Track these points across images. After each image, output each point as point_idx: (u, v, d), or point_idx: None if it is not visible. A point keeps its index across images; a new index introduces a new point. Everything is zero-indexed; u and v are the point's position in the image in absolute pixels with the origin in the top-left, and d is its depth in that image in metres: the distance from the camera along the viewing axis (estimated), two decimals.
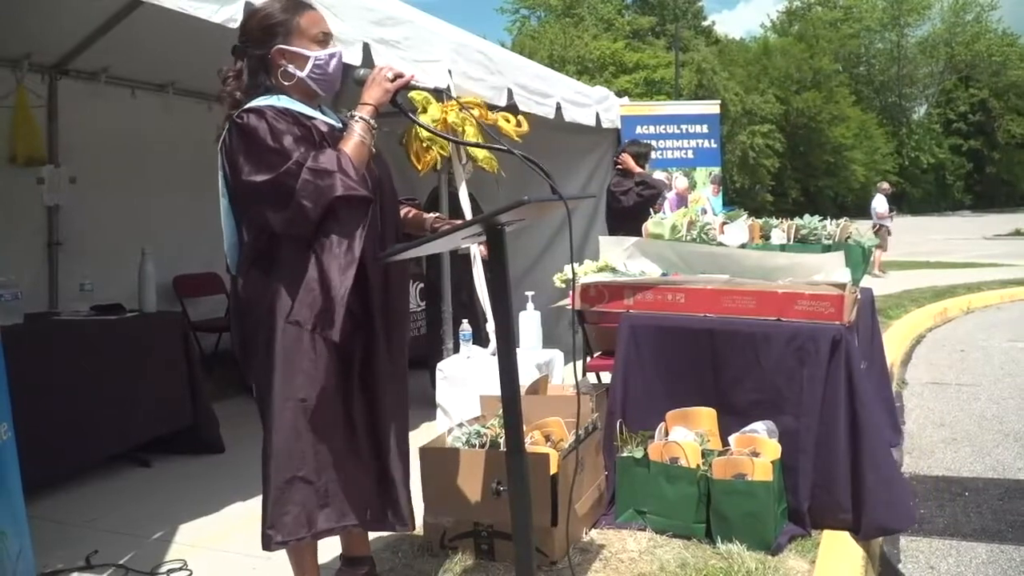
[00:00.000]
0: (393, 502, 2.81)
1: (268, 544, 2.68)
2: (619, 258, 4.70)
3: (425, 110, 5.18)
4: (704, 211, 7.42)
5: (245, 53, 2.76)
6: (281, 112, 2.63)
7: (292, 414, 2.65)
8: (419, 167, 5.38)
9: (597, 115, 8.09)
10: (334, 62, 2.79)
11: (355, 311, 2.69)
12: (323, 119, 2.76)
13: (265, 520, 2.68)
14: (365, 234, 2.59)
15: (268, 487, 2.69)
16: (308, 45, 2.73)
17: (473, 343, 5.37)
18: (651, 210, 6.15)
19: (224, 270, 3.01)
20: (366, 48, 4.67)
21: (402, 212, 3.07)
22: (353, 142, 2.65)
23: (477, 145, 5.20)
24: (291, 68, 2.71)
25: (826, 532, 3.72)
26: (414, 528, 2.89)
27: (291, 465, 2.65)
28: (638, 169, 7.27)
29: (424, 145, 5.31)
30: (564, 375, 5.40)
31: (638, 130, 8.66)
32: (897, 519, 3.81)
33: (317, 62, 2.73)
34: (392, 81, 2.72)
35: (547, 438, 3.75)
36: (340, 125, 2.80)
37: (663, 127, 9.02)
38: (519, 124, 5.70)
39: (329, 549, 3.13)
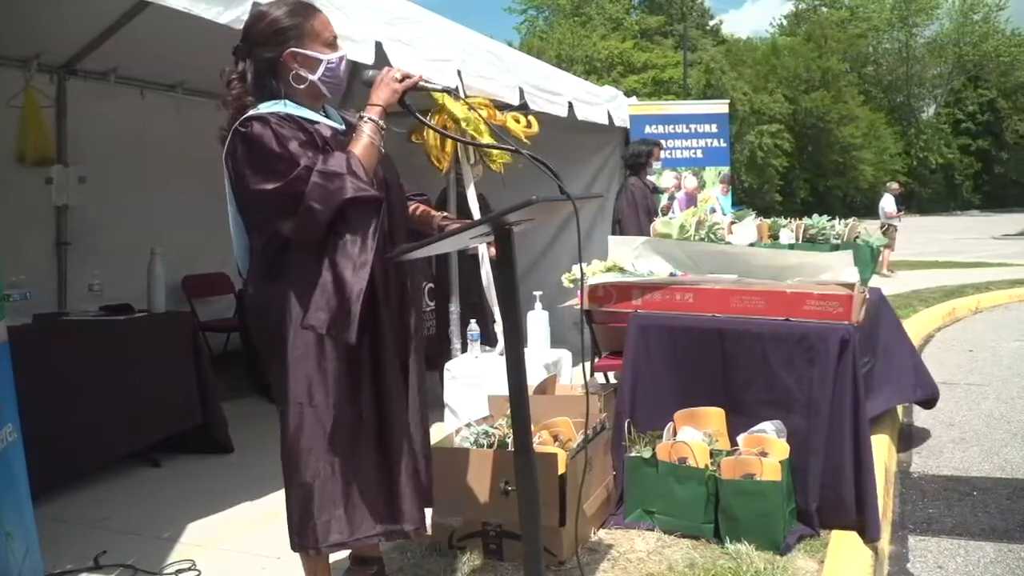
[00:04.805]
0: (401, 509, 2.74)
1: (295, 546, 2.70)
2: (627, 258, 4.69)
3: (443, 106, 5.16)
4: (713, 210, 7.40)
5: (249, 55, 2.72)
6: (284, 118, 2.60)
7: (301, 418, 2.64)
8: (440, 167, 5.37)
9: (608, 113, 8.07)
10: (343, 64, 2.77)
11: (362, 313, 2.67)
12: (326, 123, 2.74)
13: (290, 525, 2.69)
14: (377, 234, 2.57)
15: (288, 491, 2.70)
16: (320, 48, 2.70)
17: (481, 343, 5.37)
18: (660, 211, 6.16)
19: (235, 272, 3.00)
20: (378, 47, 4.66)
21: (411, 208, 3.06)
22: (362, 143, 2.63)
23: (485, 145, 5.18)
24: (303, 72, 2.68)
25: (835, 532, 3.70)
26: (426, 531, 2.86)
27: (304, 471, 2.64)
28: None
29: (440, 143, 5.29)
30: (572, 375, 5.41)
31: (647, 129, 8.64)
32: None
33: (329, 65, 2.71)
34: (400, 82, 2.71)
35: (555, 438, 3.75)
36: (343, 127, 2.79)
37: (672, 127, 8.99)
38: (528, 125, 5.70)
39: None
